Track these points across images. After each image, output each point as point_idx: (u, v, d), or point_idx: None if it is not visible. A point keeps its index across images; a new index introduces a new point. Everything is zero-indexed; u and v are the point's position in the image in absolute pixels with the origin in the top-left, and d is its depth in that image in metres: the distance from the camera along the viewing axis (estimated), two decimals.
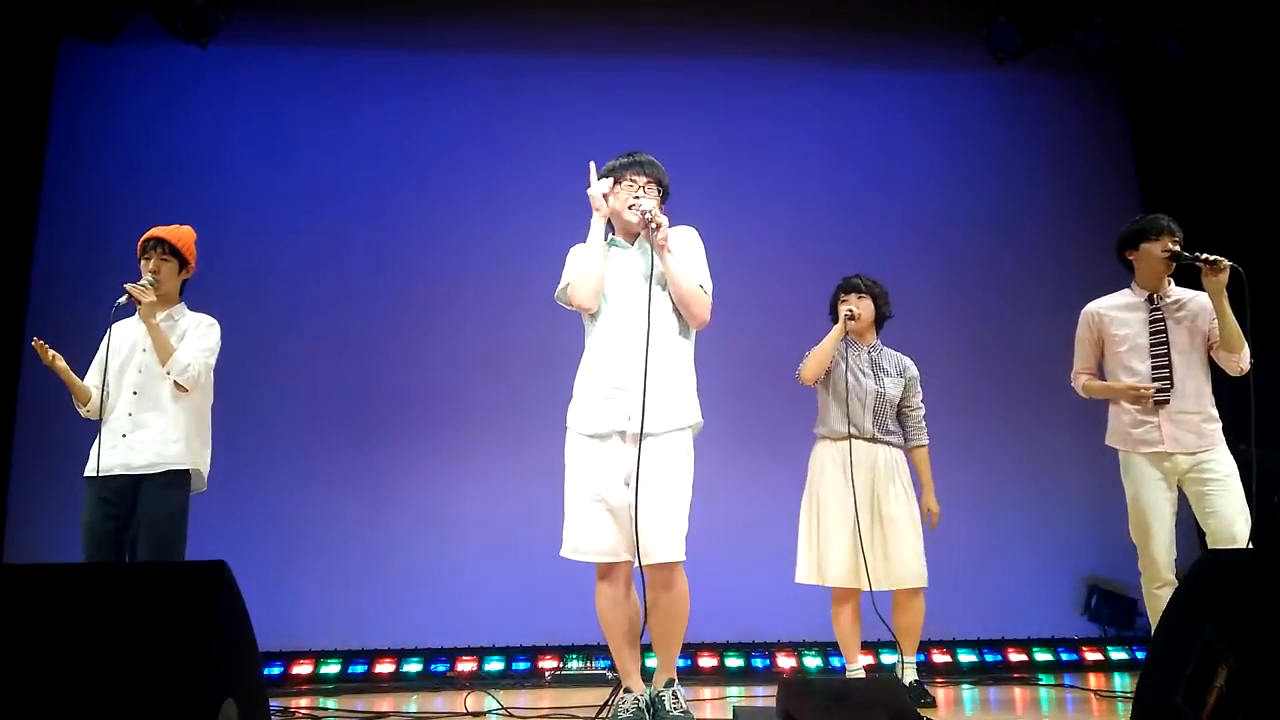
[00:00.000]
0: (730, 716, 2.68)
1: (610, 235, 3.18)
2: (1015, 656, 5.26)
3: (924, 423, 4.00)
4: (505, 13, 6.02)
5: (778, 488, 4.29)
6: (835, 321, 3.96)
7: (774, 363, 4.53)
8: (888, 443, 3.89)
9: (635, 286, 3.08)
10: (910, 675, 3.74)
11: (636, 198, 3.09)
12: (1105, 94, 6.30)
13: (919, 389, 4.00)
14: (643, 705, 2.94)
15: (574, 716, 3.43)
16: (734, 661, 5.09)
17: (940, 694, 4.19)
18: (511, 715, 3.53)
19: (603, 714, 3.02)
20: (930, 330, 5.49)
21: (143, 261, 3.54)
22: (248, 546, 4.85)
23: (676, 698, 2.93)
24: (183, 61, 5.72)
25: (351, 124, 5.88)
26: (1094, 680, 4.74)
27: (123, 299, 3.42)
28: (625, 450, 2.97)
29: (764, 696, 4.15)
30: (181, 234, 3.62)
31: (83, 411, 3.54)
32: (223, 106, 5.83)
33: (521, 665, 5.05)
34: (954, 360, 5.54)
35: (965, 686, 4.63)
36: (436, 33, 6.01)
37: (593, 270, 3.07)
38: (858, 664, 3.82)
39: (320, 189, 5.78)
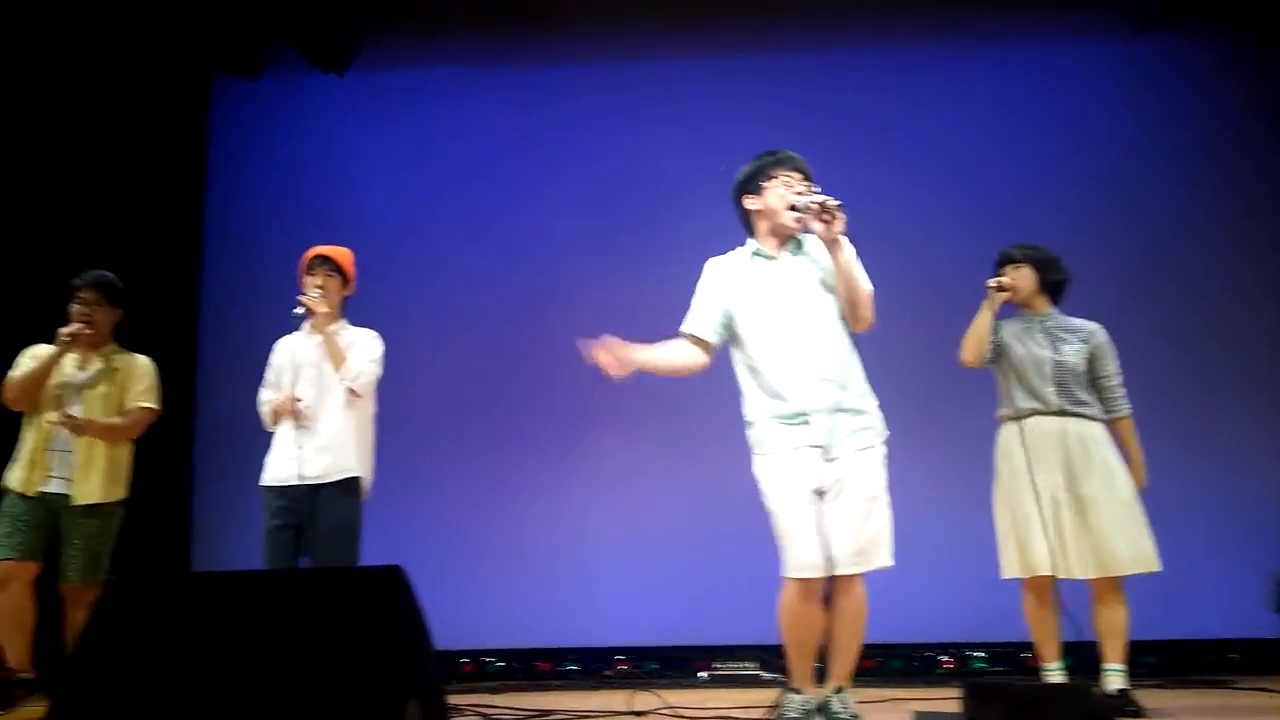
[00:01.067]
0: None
1: (751, 243, 3.09)
2: (1207, 657, 4.93)
3: (1121, 391, 3.63)
4: (620, 22, 6.02)
5: (937, 484, 4.16)
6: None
7: (939, 350, 4.36)
8: (1078, 414, 3.54)
9: (796, 295, 2.98)
10: (1116, 683, 3.37)
11: (799, 192, 2.95)
12: (1267, 58, 5.83)
13: (1111, 357, 3.64)
14: (810, 709, 2.90)
15: (735, 716, 3.39)
16: (895, 663, 4.94)
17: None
18: (680, 715, 3.52)
19: (771, 715, 2.97)
20: (1093, 317, 5.21)
21: (308, 278, 3.70)
22: (407, 549, 5.01)
23: (845, 704, 2.90)
24: (324, 90, 5.97)
25: (484, 140, 6.00)
26: None
27: (299, 309, 3.59)
28: (820, 465, 2.87)
29: (930, 699, 4.01)
30: (343, 253, 3.79)
31: (268, 422, 3.72)
32: (362, 130, 6.06)
33: (677, 665, 5.05)
34: (1126, 352, 5.23)
35: (1153, 690, 4.34)
36: (560, 44, 6.07)
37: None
38: (1055, 664, 3.49)
39: (454, 204, 5.93)
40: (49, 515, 3.81)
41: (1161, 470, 5.13)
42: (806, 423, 2.88)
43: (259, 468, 3.67)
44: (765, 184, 3.04)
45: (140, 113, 5.91)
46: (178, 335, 5.88)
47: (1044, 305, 3.72)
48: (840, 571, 2.82)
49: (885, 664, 4.98)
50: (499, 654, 5.21)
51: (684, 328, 3.12)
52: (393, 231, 5.81)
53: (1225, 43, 5.76)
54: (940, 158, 5.76)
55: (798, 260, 3.04)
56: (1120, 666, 3.41)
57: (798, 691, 2.95)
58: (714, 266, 3.13)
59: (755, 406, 3.00)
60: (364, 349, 3.70)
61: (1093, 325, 3.69)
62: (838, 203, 2.82)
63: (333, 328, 3.67)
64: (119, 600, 1.84)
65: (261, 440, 3.74)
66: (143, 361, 4.04)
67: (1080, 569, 3.40)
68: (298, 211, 5.85)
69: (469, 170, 5.98)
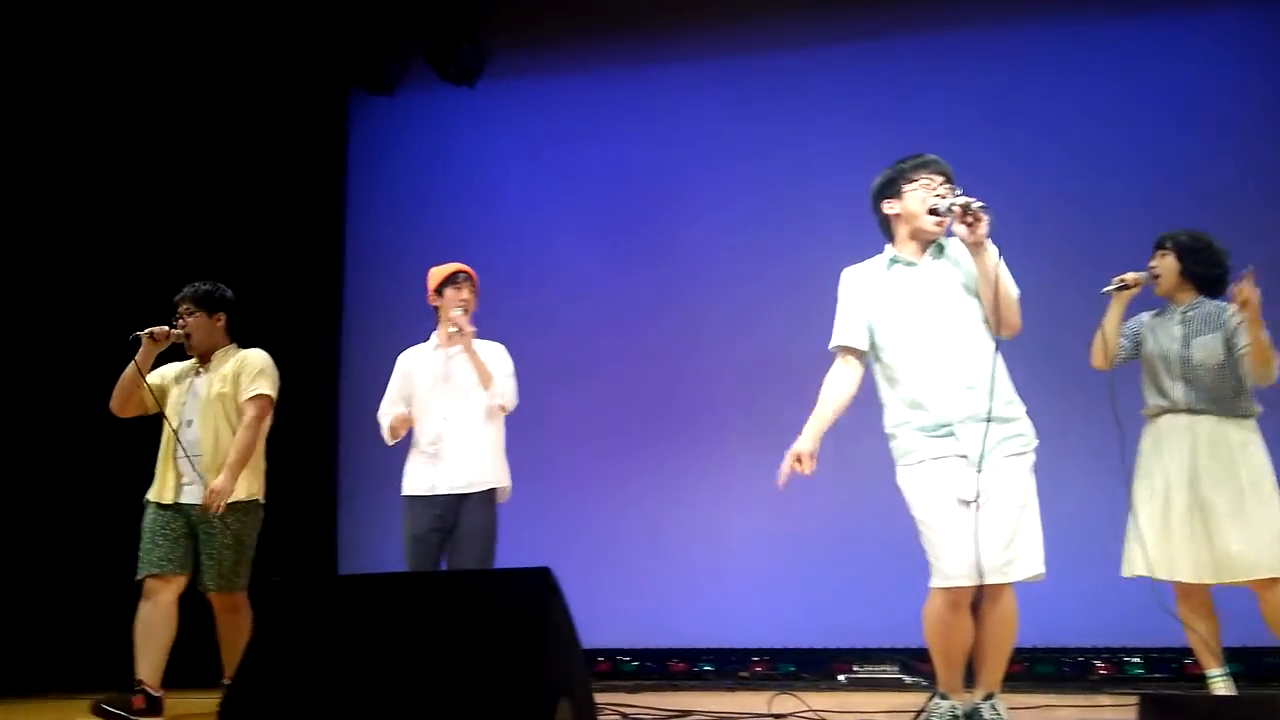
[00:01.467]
0: None
1: (889, 249, 3.01)
2: None
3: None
4: (759, 12, 5.96)
5: (1091, 482, 3.98)
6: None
7: (1073, 349, 4.18)
8: (1209, 413, 3.35)
9: (938, 302, 2.90)
10: None
11: (939, 195, 2.86)
12: None
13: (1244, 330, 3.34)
14: (958, 715, 2.84)
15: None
16: (1044, 668, 4.76)
17: None
18: (823, 718, 3.47)
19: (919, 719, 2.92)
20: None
21: (450, 291, 3.77)
22: (539, 549, 5.11)
23: (996, 710, 2.82)
24: (456, 102, 6.14)
25: (618, 143, 6.06)
26: None
27: (453, 329, 3.68)
28: (966, 474, 2.79)
29: (1085, 708, 3.84)
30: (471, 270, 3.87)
31: (386, 437, 3.82)
32: (495, 140, 6.22)
33: (814, 667, 4.99)
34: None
35: None
36: (685, 43, 6.07)
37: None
38: (1216, 671, 3.32)
39: (587, 209, 6.01)
40: (188, 523, 3.78)
41: None
42: (951, 434, 2.82)
43: (401, 469, 3.78)
44: (905, 187, 2.96)
45: (281, 132, 6.23)
46: (322, 345, 6.18)
47: (1188, 295, 3.50)
48: (989, 581, 2.75)
49: (1032, 668, 4.81)
50: (634, 653, 5.26)
51: (835, 343, 3.05)
52: (526, 239, 5.94)
53: None
54: (1072, 144, 5.50)
55: (939, 265, 2.95)
56: None
57: (945, 697, 2.89)
58: (851, 276, 3.06)
59: (896, 418, 2.94)
60: (501, 365, 3.79)
61: (1230, 308, 3.40)
62: (981, 204, 2.72)
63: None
64: (284, 602, 1.92)
65: (403, 450, 3.87)
66: (254, 354, 3.99)
67: (1192, 574, 3.26)
68: (434, 224, 6.05)
69: (601, 175, 6.05)
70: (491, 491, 3.68)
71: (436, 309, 3.82)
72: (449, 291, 3.76)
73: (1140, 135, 5.39)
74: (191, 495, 3.76)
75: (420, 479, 3.68)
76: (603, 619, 5.27)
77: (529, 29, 6.21)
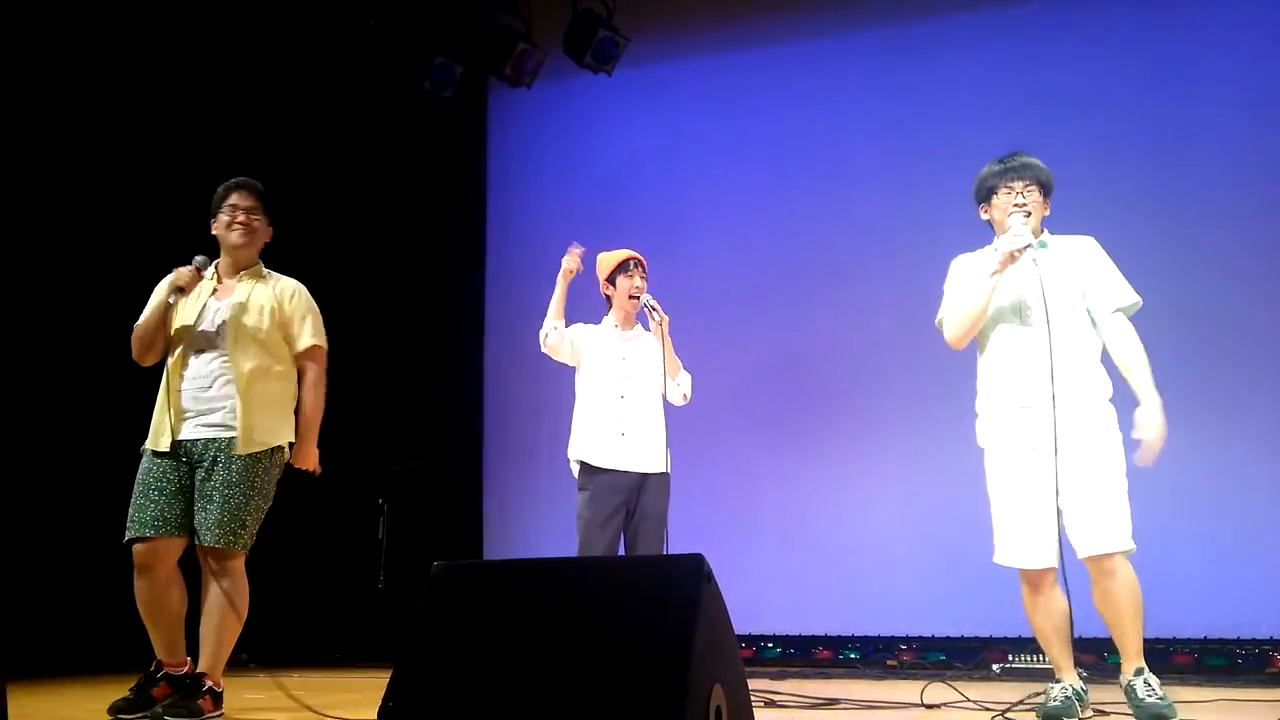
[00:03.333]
0: None
1: (996, 240, 3.07)
2: None
3: None
4: None
5: (1266, 465, 3.75)
6: None
7: (1216, 324, 3.93)
8: None
9: (1037, 292, 2.95)
10: None
11: (1018, 204, 3.00)
12: None
13: None
14: (1071, 694, 2.90)
15: (1029, 708, 3.22)
16: (1215, 659, 4.51)
17: None
18: (985, 708, 3.39)
19: (1026, 700, 3.03)
20: None
21: (624, 278, 3.77)
22: (691, 534, 5.16)
23: (1149, 685, 2.77)
24: (594, 90, 6.21)
25: (745, 121, 6.02)
26: None
27: (656, 317, 3.69)
28: (1049, 458, 2.87)
29: (1266, 701, 3.62)
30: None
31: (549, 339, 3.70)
32: (632, 125, 6.27)
33: (965, 656, 4.87)
34: None
35: None
36: (820, 20, 5.97)
37: (971, 315, 3.02)
38: None
39: (723, 189, 6.00)
40: (190, 470, 3.10)
41: None
42: (1033, 418, 2.92)
43: (545, 453, 3.86)
44: (993, 198, 3.08)
45: (427, 130, 6.45)
46: (467, 331, 6.40)
47: None
48: (1084, 554, 2.85)
49: (1202, 660, 4.56)
50: (777, 639, 5.25)
51: (940, 316, 3.17)
52: (665, 226, 5.97)
53: None
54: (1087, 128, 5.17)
55: (1041, 257, 3.00)
56: None
57: (1058, 680, 2.96)
58: (962, 263, 3.20)
59: (984, 399, 3.07)
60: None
61: None
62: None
63: (633, 331, 3.82)
64: (449, 586, 2.00)
65: (544, 427, 3.93)
66: (291, 286, 3.30)
67: None
68: (573, 212, 6.15)
69: (739, 159, 6.03)
70: (668, 476, 3.74)
71: (608, 297, 3.87)
72: (621, 280, 3.81)
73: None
74: (194, 430, 3.09)
75: (606, 452, 3.68)
76: (747, 604, 5.27)
77: (663, 13, 6.22)
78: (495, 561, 2.20)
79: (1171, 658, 4.51)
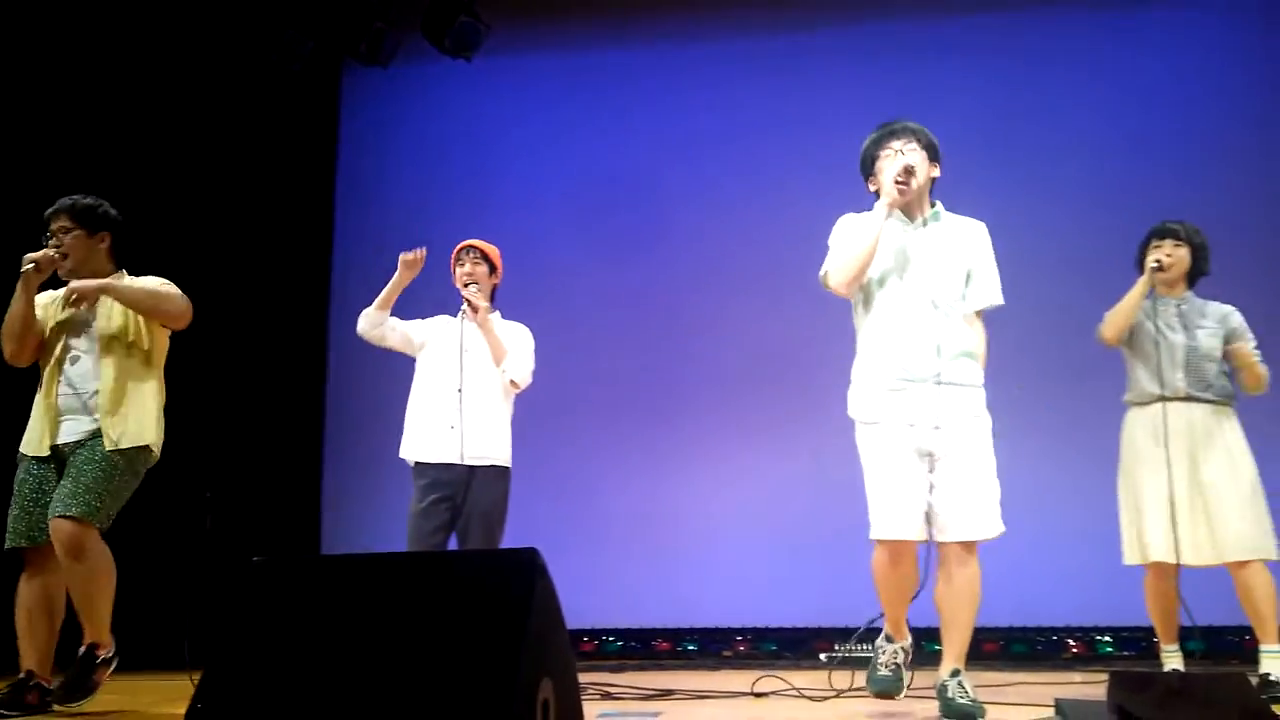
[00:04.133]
0: (1040, 706, 2.54)
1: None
2: None
3: (1259, 356, 3.55)
4: None
5: (1064, 466, 4.05)
6: (1141, 269, 3.62)
7: (1071, 326, 4.21)
8: (1206, 400, 3.48)
9: (918, 266, 2.93)
10: (1270, 666, 3.27)
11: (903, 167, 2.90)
12: None
13: (1249, 335, 3.55)
14: (900, 659, 2.94)
15: (856, 696, 3.38)
16: (1019, 647, 4.85)
17: None
18: (803, 695, 3.53)
19: (848, 646, 3.02)
20: (1250, 296, 4.96)
21: (457, 267, 3.77)
22: (527, 528, 5.15)
23: (963, 687, 2.80)
24: (452, 76, 6.10)
25: (615, 120, 6.06)
26: None
27: (465, 305, 3.68)
28: (923, 434, 2.85)
29: (1057, 685, 3.91)
30: (491, 246, 3.86)
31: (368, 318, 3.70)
32: (491, 114, 6.20)
33: (797, 646, 5.06)
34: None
35: None
36: (690, 21, 6.06)
37: (859, 255, 2.89)
38: (1173, 647, 3.54)
39: (588, 183, 6.00)
40: (50, 477, 3.16)
41: None
42: (910, 392, 2.86)
43: (389, 445, 3.79)
44: (876, 164, 3.02)
45: (273, 104, 6.19)
46: (309, 320, 6.17)
47: (1182, 288, 3.62)
48: (946, 537, 2.82)
49: (1008, 648, 4.90)
50: (618, 633, 5.32)
51: (824, 268, 3.04)
52: (523, 214, 5.92)
53: None
54: (1063, 131, 5.54)
55: (931, 231, 2.98)
56: (1272, 647, 3.32)
57: (890, 639, 2.98)
58: (848, 218, 3.07)
59: (861, 370, 2.99)
60: (522, 344, 3.81)
61: (1227, 308, 3.61)
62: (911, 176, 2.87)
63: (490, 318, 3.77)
64: (264, 581, 1.94)
65: (392, 424, 3.87)
66: (142, 278, 3.39)
67: (1195, 556, 3.37)
68: (428, 198, 6.03)
69: (599, 153, 6.04)
70: (504, 470, 3.69)
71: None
72: (456, 269, 3.79)
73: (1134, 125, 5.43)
74: (69, 432, 3.17)
75: (431, 445, 3.64)
76: (587, 599, 5.33)
77: (527, 3, 6.17)
78: (317, 556, 2.15)
79: (981, 646, 4.82)
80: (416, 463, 3.67)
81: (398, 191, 6.17)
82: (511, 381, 3.71)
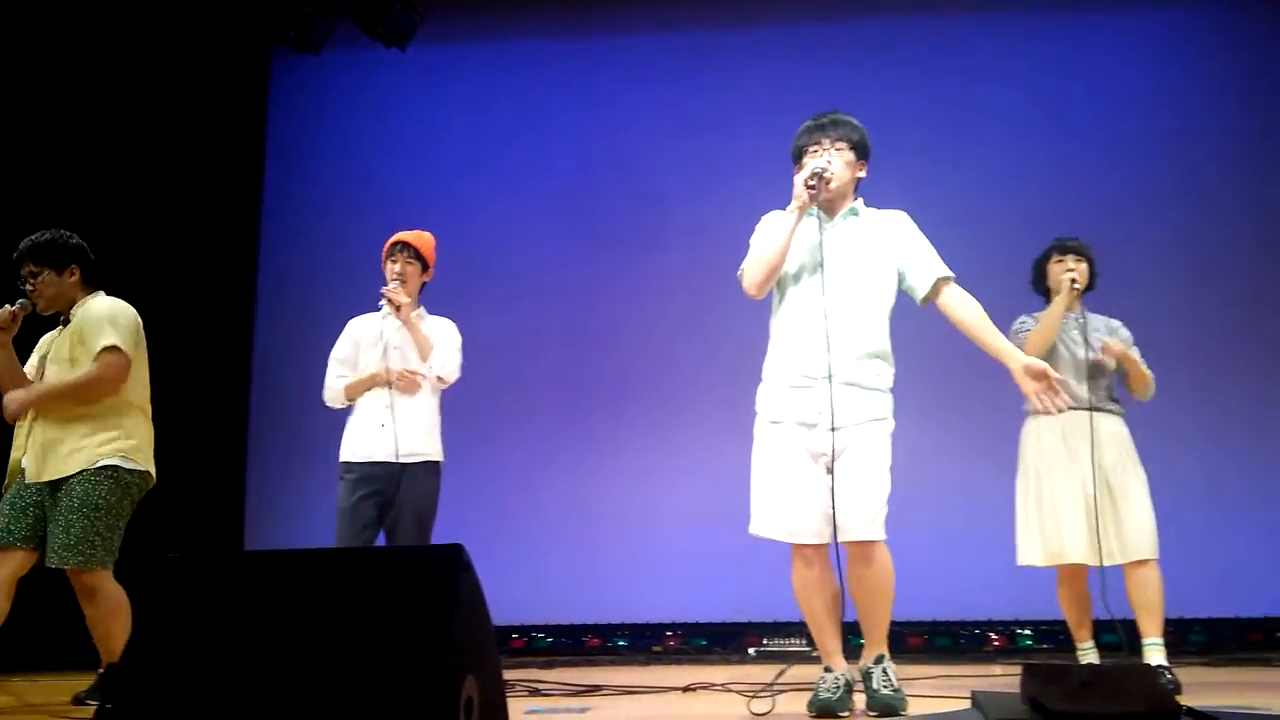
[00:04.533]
0: (959, 698, 2.62)
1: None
2: (1253, 636, 4.93)
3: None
4: None
5: (986, 463, 4.14)
6: (1039, 285, 3.79)
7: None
8: (1109, 411, 3.68)
9: (832, 263, 2.92)
10: (1156, 658, 3.44)
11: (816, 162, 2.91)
12: None
13: (1135, 350, 3.73)
14: (842, 684, 2.87)
15: (784, 689, 3.41)
16: (942, 640, 4.96)
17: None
18: (728, 689, 3.57)
19: (777, 681, 3.01)
20: (1154, 296, 5.15)
21: (388, 264, 3.71)
22: (457, 526, 5.11)
23: (887, 675, 2.86)
24: (386, 65, 6.01)
25: (546, 112, 6.02)
26: None
27: (382, 303, 3.63)
28: (822, 435, 2.86)
29: (979, 677, 4.01)
30: (425, 239, 3.79)
31: (340, 398, 3.71)
32: (426, 105, 6.12)
33: (726, 641, 5.11)
34: (1181, 329, 5.18)
35: (1198, 667, 4.31)
36: (627, 15, 6.06)
37: (769, 257, 2.90)
38: (1088, 644, 3.67)
39: (520, 178, 5.97)
40: (46, 492, 3.34)
41: (1215, 446, 5.10)
42: (814, 391, 2.86)
43: (313, 443, 3.74)
44: (804, 157, 3.02)
45: (200, 91, 6.02)
46: (234, 313, 6.01)
47: (1078, 303, 3.77)
48: (846, 538, 2.82)
49: (932, 641, 5.01)
50: (548, 629, 5.31)
51: (744, 268, 3.04)
52: (454, 208, 5.86)
53: (1271, 11, 5.61)
54: (976, 136, 5.68)
55: (846, 227, 2.98)
56: (1157, 640, 3.46)
57: (829, 669, 2.92)
58: (771, 217, 3.08)
59: (769, 367, 3.00)
60: (448, 339, 3.76)
61: (1116, 322, 3.80)
62: (827, 171, 2.87)
63: (415, 314, 3.72)
64: (180, 579, 1.89)
65: (317, 417, 3.82)
66: (98, 303, 3.47)
67: (1108, 556, 3.50)
68: (357, 189, 5.93)
69: (532, 142, 5.99)
70: (435, 465, 3.66)
71: None
72: (388, 264, 3.73)
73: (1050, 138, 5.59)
74: (41, 472, 3.34)
75: (362, 444, 3.62)
76: (519, 595, 5.31)
77: None
78: (235, 552, 2.10)
79: (905, 639, 4.92)
80: (345, 461, 3.63)
81: (327, 182, 6.06)
82: (438, 377, 3.68)
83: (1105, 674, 1.72)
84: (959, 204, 5.39)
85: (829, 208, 2.99)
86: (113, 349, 3.35)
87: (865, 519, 2.82)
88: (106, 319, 3.40)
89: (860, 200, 3.03)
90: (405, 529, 3.53)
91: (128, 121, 5.89)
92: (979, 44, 5.81)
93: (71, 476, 3.28)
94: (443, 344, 3.73)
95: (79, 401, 3.34)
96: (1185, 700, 1.78)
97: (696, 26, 5.99)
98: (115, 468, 3.34)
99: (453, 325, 3.84)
